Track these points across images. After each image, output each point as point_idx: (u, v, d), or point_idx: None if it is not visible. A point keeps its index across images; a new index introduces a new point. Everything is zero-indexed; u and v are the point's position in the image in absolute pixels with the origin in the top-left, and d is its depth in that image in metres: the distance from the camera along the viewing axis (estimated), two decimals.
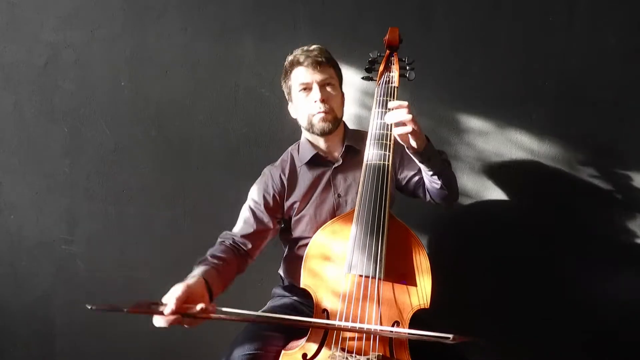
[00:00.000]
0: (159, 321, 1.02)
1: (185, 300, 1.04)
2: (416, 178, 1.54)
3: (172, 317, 1.00)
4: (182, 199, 2.01)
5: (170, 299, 1.03)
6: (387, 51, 1.53)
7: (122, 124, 1.98)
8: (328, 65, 1.47)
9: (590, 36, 1.90)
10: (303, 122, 1.51)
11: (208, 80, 1.96)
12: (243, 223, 1.49)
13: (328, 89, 1.46)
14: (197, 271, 1.23)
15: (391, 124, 1.29)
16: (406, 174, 1.56)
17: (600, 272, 1.97)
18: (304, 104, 1.47)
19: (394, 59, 1.50)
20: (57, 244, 2.03)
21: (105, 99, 1.97)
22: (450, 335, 1.02)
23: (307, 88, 1.46)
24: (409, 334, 1.15)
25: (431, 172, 1.38)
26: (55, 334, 2.07)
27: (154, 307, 1.01)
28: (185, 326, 1.04)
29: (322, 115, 1.44)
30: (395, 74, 1.45)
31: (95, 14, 1.94)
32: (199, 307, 1.02)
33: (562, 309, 1.99)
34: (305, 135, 1.57)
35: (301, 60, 1.44)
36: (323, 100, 1.43)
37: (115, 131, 1.98)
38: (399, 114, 1.21)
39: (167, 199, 2.01)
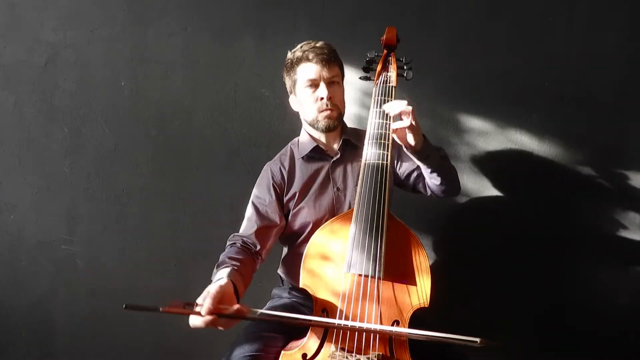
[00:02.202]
0: (195, 321, 1.02)
1: (220, 301, 1.05)
2: (415, 173, 1.56)
3: (209, 318, 1.00)
4: (182, 199, 2.01)
5: (207, 299, 1.04)
6: (385, 51, 1.54)
7: (122, 124, 1.98)
8: (335, 63, 1.49)
9: (590, 36, 1.90)
10: (307, 117, 1.52)
11: (208, 80, 1.96)
12: (247, 221, 1.49)
13: (334, 86, 1.48)
14: (223, 273, 1.23)
15: (389, 122, 1.35)
16: (405, 169, 1.58)
17: (601, 272, 1.97)
18: (310, 100, 1.48)
19: (392, 59, 1.51)
20: (57, 244, 2.03)
21: (105, 99, 1.97)
22: (478, 339, 1.00)
23: (314, 84, 1.46)
24: (408, 333, 1.15)
25: (430, 170, 1.41)
26: (55, 334, 2.07)
27: (189, 307, 1.01)
28: (220, 328, 1.04)
29: (329, 112, 1.46)
30: (392, 73, 1.46)
31: (95, 14, 1.94)
32: (234, 307, 1.04)
33: (563, 308, 1.99)
34: (305, 128, 1.58)
35: (310, 56, 1.44)
36: (330, 98, 1.45)
37: (115, 131, 1.98)
38: (399, 104, 1.27)
39: (167, 199, 2.01)
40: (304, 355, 1.19)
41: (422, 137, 1.34)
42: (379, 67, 1.50)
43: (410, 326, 1.20)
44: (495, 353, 1.98)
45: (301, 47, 1.49)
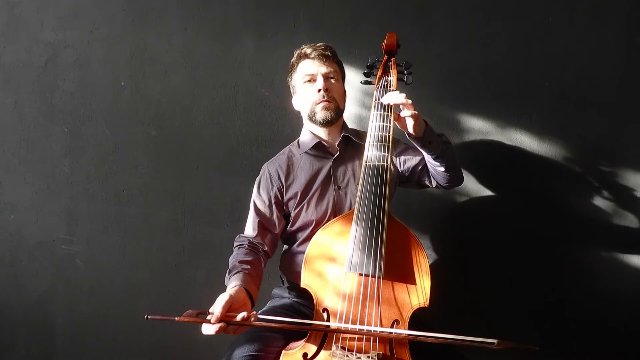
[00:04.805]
0: (206, 329, 1.10)
1: (229, 309, 1.13)
2: (419, 167, 1.58)
3: (218, 325, 1.08)
4: (182, 199, 2.01)
5: (216, 308, 1.11)
6: (385, 56, 1.57)
7: (122, 124, 1.98)
8: (333, 60, 1.55)
9: (590, 36, 1.90)
10: (306, 112, 1.55)
11: (208, 80, 1.96)
12: (250, 223, 1.53)
13: (332, 81, 1.53)
14: (236, 280, 1.29)
15: (390, 124, 1.37)
16: (409, 165, 1.59)
17: (602, 271, 1.97)
18: (309, 93, 1.52)
19: (392, 64, 1.54)
20: (57, 244, 2.03)
21: (105, 99, 1.97)
22: (495, 340, 1.02)
23: (312, 79, 1.52)
24: (408, 334, 1.16)
25: (434, 156, 1.42)
26: (55, 334, 2.07)
27: (202, 316, 1.10)
28: (231, 334, 1.13)
29: (325, 104, 1.49)
30: (393, 78, 1.49)
31: (95, 14, 1.94)
32: (239, 316, 1.11)
33: (563, 307, 1.99)
34: (306, 127, 1.60)
35: (308, 52, 1.52)
36: (327, 90, 1.49)
37: (115, 131, 1.98)
38: (398, 96, 1.31)
39: (167, 199, 2.01)
40: (305, 355, 1.20)
41: (423, 123, 1.37)
42: (379, 72, 1.53)
43: (410, 326, 1.20)
44: (495, 351, 1.99)
45: (302, 47, 1.55)
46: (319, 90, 1.49)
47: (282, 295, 1.58)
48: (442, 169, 1.47)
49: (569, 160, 1.94)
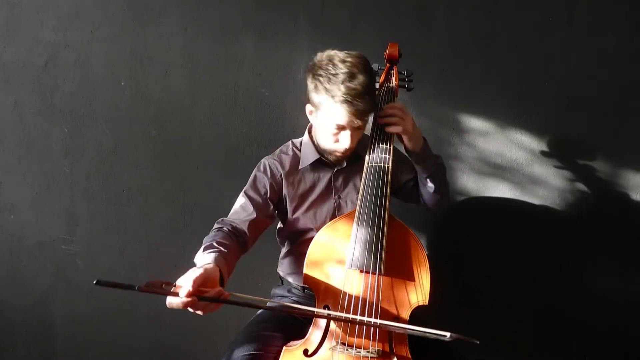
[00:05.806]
0: (173, 301, 0.97)
1: (201, 284, 1.00)
2: (411, 183, 1.60)
3: (187, 299, 0.95)
4: (182, 199, 2.01)
5: (187, 280, 0.98)
6: (387, 65, 1.59)
7: (122, 124, 1.98)
8: (370, 112, 1.37)
9: (590, 36, 1.90)
10: (318, 142, 1.46)
11: (208, 80, 1.96)
12: (241, 210, 1.42)
13: (358, 131, 1.38)
14: (209, 258, 1.16)
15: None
16: (402, 179, 1.60)
17: (601, 271, 1.97)
18: (329, 136, 1.38)
19: (394, 72, 1.57)
20: (57, 244, 2.03)
21: (105, 99, 1.97)
22: (448, 334, 0.98)
23: (339, 128, 1.35)
24: (406, 329, 1.15)
25: (425, 174, 1.46)
26: (55, 334, 2.07)
27: (167, 287, 0.97)
28: (198, 312, 1.00)
29: (343, 154, 1.42)
30: (394, 85, 1.53)
31: (95, 14, 1.94)
32: (215, 290, 1.00)
33: (562, 307, 1.99)
34: (312, 136, 1.52)
35: (347, 104, 1.27)
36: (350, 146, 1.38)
37: (115, 131, 1.98)
38: (387, 117, 1.38)
39: (167, 199, 2.01)
40: (306, 351, 1.21)
41: (421, 140, 1.41)
42: (381, 79, 1.55)
43: (411, 324, 1.21)
44: (494, 351, 2.00)
45: (342, 82, 1.27)
46: (342, 145, 1.37)
47: (282, 295, 1.58)
48: (431, 189, 1.50)
49: (569, 160, 1.94)
